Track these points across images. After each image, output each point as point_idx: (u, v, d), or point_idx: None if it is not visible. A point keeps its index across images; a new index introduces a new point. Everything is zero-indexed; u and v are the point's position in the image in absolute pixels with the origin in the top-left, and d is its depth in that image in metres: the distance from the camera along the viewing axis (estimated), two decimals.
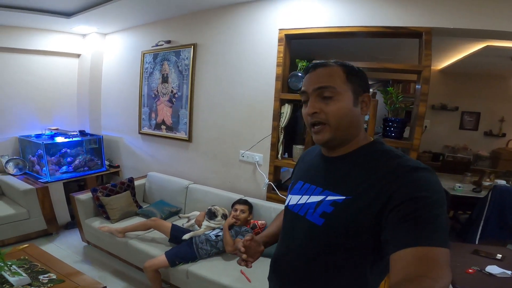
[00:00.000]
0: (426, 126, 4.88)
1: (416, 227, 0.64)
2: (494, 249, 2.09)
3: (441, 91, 4.99)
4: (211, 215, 2.48)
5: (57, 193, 3.33)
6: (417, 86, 2.45)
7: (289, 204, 0.99)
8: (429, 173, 0.73)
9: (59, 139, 3.61)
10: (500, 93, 4.75)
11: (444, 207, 0.68)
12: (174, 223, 2.59)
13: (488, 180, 3.40)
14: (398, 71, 2.81)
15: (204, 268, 2.14)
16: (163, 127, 3.43)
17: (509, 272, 1.73)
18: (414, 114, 2.43)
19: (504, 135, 4.90)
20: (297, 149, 2.62)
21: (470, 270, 1.76)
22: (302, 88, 0.89)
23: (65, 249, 3.01)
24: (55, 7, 3.11)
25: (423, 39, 2.18)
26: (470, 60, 3.91)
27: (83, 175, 3.65)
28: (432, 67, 4.71)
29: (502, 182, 3.22)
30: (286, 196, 1.04)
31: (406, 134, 2.56)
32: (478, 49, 3.43)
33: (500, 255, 1.96)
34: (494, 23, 2.00)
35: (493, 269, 1.76)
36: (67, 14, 3.27)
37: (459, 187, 3.23)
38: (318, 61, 0.93)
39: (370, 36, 2.48)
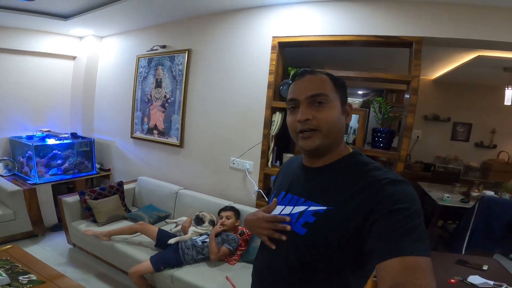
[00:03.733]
0: (418, 137, 4.92)
1: (399, 238, 0.67)
2: (480, 259, 2.10)
3: (434, 102, 5.03)
4: (199, 220, 2.48)
5: (45, 195, 3.30)
6: (406, 96, 2.47)
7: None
8: (407, 186, 0.76)
9: (50, 141, 3.59)
10: (492, 104, 4.78)
11: (422, 217, 0.71)
12: (162, 228, 2.58)
13: (476, 191, 3.43)
14: (389, 80, 2.84)
15: (190, 274, 2.12)
16: (155, 131, 3.43)
17: (491, 282, 1.73)
18: (402, 124, 2.45)
19: (495, 146, 4.94)
20: (287, 157, 2.63)
21: (452, 280, 1.77)
22: (291, 96, 0.89)
23: (50, 251, 2.97)
24: (53, 9, 3.13)
25: (413, 49, 2.21)
26: (462, 71, 3.95)
27: (73, 177, 3.62)
28: (425, 77, 4.85)
29: (490, 193, 3.24)
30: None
31: (395, 144, 2.59)
32: (470, 59, 3.47)
33: (487, 266, 1.96)
34: (484, 33, 2.05)
35: (475, 279, 1.76)
36: (65, 17, 3.29)
37: (448, 197, 3.25)
38: (305, 69, 0.94)
39: (363, 45, 2.51)
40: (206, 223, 2.46)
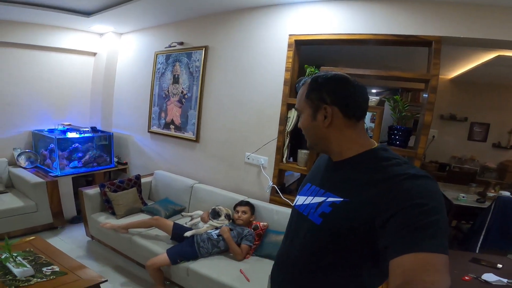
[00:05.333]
0: (434, 136, 4.86)
1: (414, 234, 0.66)
2: (494, 258, 2.10)
3: (450, 101, 4.95)
4: (215, 214, 2.53)
5: (66, 187, 3.40)
6: (424, 95, 2.45)
7: (296, 204, 1.04)
8: (428, 180, 0.74)
9: (71, 135, 3.70)
10: (511, 104, 4.70)
11: (442, 213, 0.70)
12: (177, 221, 2.64)
13: (493, 191, 3.38)
14: (407, 79, 2.81)
15: (205, 266, 2.17)
16: (171, 126, 3.50)
17: (504, 280, 1.73)
18: (420, 123, 2.44)
19: None
20: (302, 153, 2.66)
21: (466, 278, 1.77)
22: None
23: (69, 243, 3.05)
24: (75, 6, 3.21)
25: (433, 48, 2.20)
26: (482, 70, 3.88)
27: (92, 170, 3.73)
28: (442, 76, 4.78)
29: (506, 193, 3.17)
30: (296, 197, 1.09)
31: (411, 143, 2.58)
32: (490, 59, 3.41)
33: (501, 265, 1.96)
34: (505, 32, 2.02)
35: (489, 277, 1.77)
36: (87, 13, 3.37)
37: (463, 197, 3.22)
38: (302, 80, 1.00)
39: (380, 44, 2.50)
40: (222, 217, 2.51)
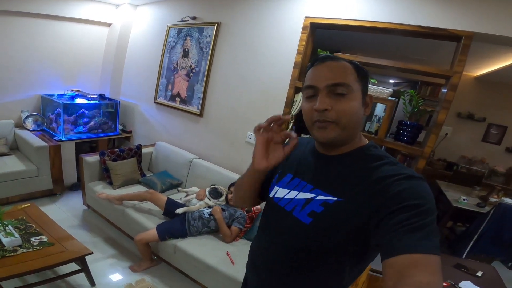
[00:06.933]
0: (447, 134, 4.69)
1: (410, 234, 0.65)
2: (478, 265, 2.07)
3: (471, 99, 4.72)
4: (217, 194, 2.49)
5: (68, 152, 3.42)
6: (442, 90, 2.32)
7: (275, 196, 0.96)
8: (422, 182, 0.73)
9: (79, 100, 3.70)
10: None
11: (434, 215, 0.69)
12: (172, 196, 2.62)
13: (496, 196, 3.27)
14: (427, 74, 2.68)
15: (192, 245, 2.17)
16: (177, 99, 3.49)
17: None
18: (432, 120, 2.33)
19: None
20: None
21: (444, 284, 1.74)
22: (309, 82, 0.83)
23: (65, 211, 3.05)
24: None
25: (461, 44, 2.04)
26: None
27: (96, 136, 3.75)
28: (467, 73, 4.54)
29: (509, 200, 3.05)
30: (271, 186, 1.00)
31: (421, 138, 2.48)
32: None
33: (481, 273, 1.93)
34: None
35: (466, 285, 1.74)
36: None
37: (464, 199, 3.13)
38: (327, 55, 0.89)
39: (404, 35, 2.36)
40: (223, 198, 2.48)
